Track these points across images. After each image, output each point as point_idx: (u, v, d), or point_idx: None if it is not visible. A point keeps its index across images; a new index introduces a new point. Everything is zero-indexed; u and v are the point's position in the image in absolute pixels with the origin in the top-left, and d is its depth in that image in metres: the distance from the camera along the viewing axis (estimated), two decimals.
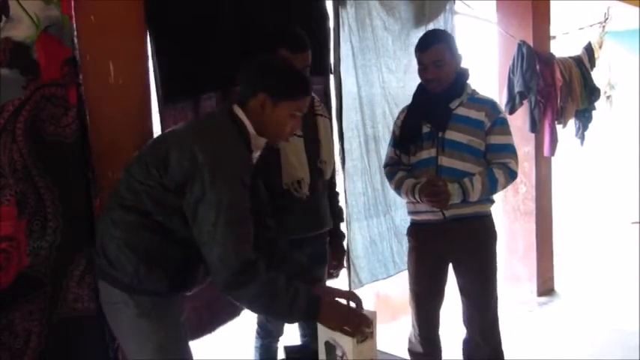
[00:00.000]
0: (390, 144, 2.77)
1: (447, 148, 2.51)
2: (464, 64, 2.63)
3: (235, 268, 1.65)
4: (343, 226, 2.80)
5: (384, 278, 3.53)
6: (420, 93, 2.68)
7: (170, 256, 1.77)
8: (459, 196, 2.45)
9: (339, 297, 1.92)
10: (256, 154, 1.89)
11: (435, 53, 2.50)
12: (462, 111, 2.53)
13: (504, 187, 2.57)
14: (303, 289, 1.75)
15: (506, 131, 2.57)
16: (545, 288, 4.80)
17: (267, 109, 1.79)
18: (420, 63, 2.56)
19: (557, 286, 4.92)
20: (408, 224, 2.78)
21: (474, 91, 2.62)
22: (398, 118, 2.75)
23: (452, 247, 2.59)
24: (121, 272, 1.74)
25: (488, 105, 2.56)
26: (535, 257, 4.68)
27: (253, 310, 1.79)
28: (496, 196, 2.71)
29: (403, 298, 4.12)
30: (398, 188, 2.65)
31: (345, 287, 3.20)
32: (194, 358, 1.91)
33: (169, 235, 1.75)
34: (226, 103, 1.86)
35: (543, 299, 4.67)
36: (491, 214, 2.67)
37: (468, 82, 2.61)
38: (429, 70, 2.52)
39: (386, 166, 2.77)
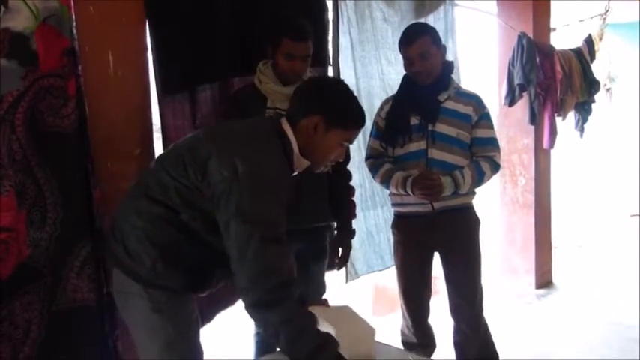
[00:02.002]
0: (373, 135, 2.74)
1: (437, 140, 2.53)
2: (450, 57, 2.67)
3: (267, 287, 1.58)
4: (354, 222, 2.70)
5: (381, 270, 3.54)
6: (406, 85, 2.68)
7: (189, 255, 1.73)
8: (451, 189, 2.49)
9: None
10: (295, 173, 1.84)
11: (421, 46, 2.51)
12: (450, 104, 2.56)
13: (489, 179, 2.62)
14: (333, 343, 1.64)
15: (491, 125, 2.64)
16: (544, 280, 4.81)
17: (318, 132, 1.74)
18: (405, 57, 2.57)
19: (555, 279, 4.93)
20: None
21: (458, 85, 2.67)
22: (381, 109, 2.73)
23: (439, 238, 2.62)
24: (137, 264, 1.71)
25: (475, 99, 2.61)
26: (533, 250, 4.69)
27: (277, 336, 1.62)
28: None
29: None
30: (385, 181, 2.64)
31: (342, 278, 3.22)
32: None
33: (192, 236, 1.71)
34: (274, 115, 1.80)
35: (541, 291, 4.68)
36: (473, 206, 2.71)
37: (452, 75, 2.65)
38: (416, 64, 2.53)
39: (368, 158, 2.75)
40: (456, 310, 2.68)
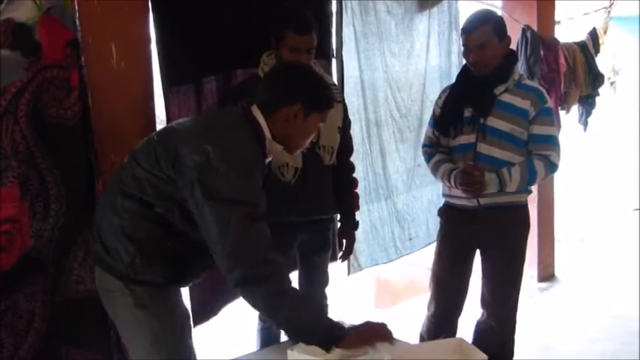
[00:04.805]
0: (430, 124, 2.70)
1: (488, 135, 2.44)
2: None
3: (251, 263, 1.58)
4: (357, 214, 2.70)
5: (385, 263, 3.54)
6: (463, 75, 2.59)
7: (168, 249, 1.73)
8: (496, 186, 2.40)
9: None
10: (269, 159, 1.84)
11: (480, 36, 2.39)
12: (506, 98, 2.44)
13: (543, 179, 2.50)
14: (328, 316, 1.68)
15: (551, 122, 2.48)
16: (546, 274, 4.80)
17: (298, 119, 1.75)
18: (463, 45, 2.47)
19: (557, 272, 4.93)
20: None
21: (522, 76, 2.54)
22: (439, 97, 2.67)
23: (482, 234, 2.54)
24: (117, 261, 1.71)
25: (535, 93, 2.46)
26: (536, 243, 4.67)
27: (268, 310, 1.63)
28: None
29: (403, 283, 4.14)
30: (434, 172, 2.61)
31: (344, 270, 3.22)
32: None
33: (168, 228, 1.71)
34: (244, 102, 1.79)
35: (544, 285, 4.68)
36: (526, 204, 2.61)
37: (515, 66, 2.53)
38: (472, 53, 2.42)
39: (424, 146, 2.72)
40: (487, 306, 2.62)
